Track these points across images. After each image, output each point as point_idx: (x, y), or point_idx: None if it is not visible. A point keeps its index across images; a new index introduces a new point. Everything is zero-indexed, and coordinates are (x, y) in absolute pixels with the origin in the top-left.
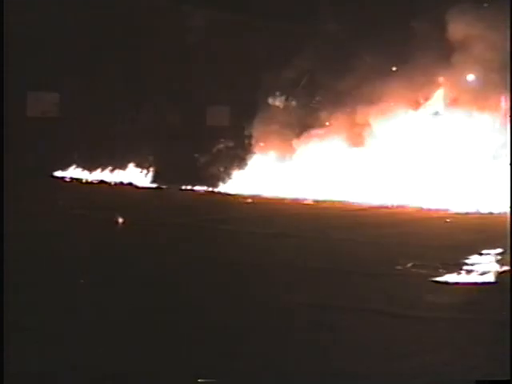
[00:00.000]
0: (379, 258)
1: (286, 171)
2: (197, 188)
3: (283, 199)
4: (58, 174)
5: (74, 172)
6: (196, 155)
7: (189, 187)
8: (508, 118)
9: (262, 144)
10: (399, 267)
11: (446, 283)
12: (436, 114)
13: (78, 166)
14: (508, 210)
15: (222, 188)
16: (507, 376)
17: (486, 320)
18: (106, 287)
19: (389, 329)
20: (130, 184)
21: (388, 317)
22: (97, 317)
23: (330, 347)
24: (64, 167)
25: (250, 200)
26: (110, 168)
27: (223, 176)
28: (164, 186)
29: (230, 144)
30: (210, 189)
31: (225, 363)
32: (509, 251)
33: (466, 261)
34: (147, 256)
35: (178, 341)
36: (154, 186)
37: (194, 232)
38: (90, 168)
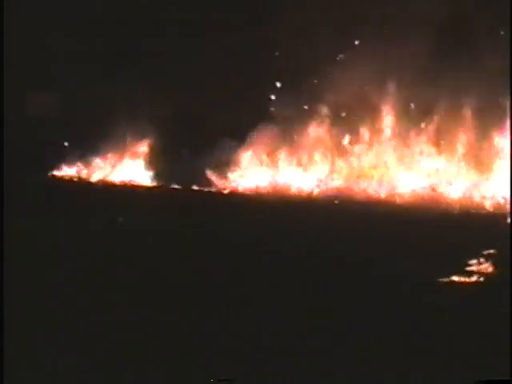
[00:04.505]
0: None
1: None
2: None
3: None
4: (57, 172)
5: (72, 170)
6: None
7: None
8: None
9: None
10: None
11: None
12: None
13: (77, 164)
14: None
15: None
16: (507, 376)
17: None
18: None
19: None
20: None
21: None
22: None
23: None
24: (62, 166)
25: None
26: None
27: None
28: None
29: None
30: None
31: None
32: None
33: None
34: None
35: None
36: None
37: None
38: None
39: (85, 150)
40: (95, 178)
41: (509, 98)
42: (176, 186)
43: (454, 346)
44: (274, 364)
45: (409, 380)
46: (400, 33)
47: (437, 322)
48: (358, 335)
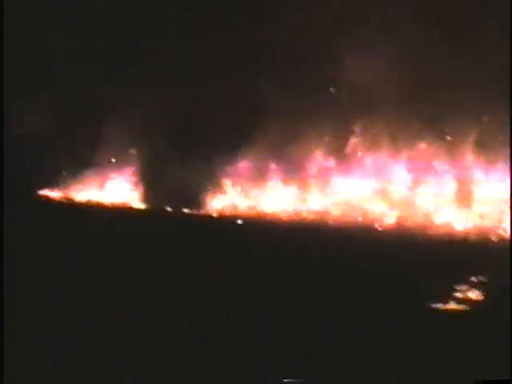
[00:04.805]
0: None
1: None
2: None
3: None
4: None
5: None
6: None
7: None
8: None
9: None
10: None
11: None
12: None
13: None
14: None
15: None
16: (507, 376)
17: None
18: None
19: None
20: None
21: None
22: None
23: None
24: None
25: None
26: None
27: None
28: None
29: None
30: None
31: None
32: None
33: None
34: None
35: None
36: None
37: None
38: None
39: (75, 163)
40: (83, 197)
41: (509, 98)
42: (168, 209)
43: (454, 346)
44: (274, 364)
45: (409, 380)
46: (400, 33)
47: (437, 322)
48: (358, 335)
